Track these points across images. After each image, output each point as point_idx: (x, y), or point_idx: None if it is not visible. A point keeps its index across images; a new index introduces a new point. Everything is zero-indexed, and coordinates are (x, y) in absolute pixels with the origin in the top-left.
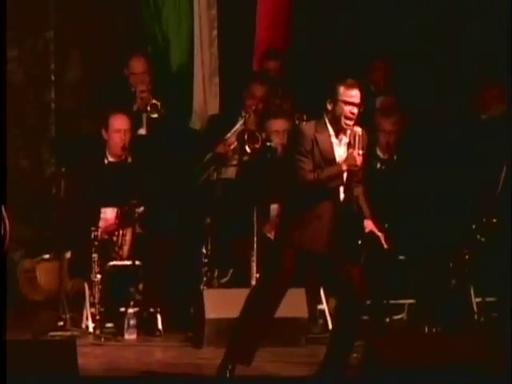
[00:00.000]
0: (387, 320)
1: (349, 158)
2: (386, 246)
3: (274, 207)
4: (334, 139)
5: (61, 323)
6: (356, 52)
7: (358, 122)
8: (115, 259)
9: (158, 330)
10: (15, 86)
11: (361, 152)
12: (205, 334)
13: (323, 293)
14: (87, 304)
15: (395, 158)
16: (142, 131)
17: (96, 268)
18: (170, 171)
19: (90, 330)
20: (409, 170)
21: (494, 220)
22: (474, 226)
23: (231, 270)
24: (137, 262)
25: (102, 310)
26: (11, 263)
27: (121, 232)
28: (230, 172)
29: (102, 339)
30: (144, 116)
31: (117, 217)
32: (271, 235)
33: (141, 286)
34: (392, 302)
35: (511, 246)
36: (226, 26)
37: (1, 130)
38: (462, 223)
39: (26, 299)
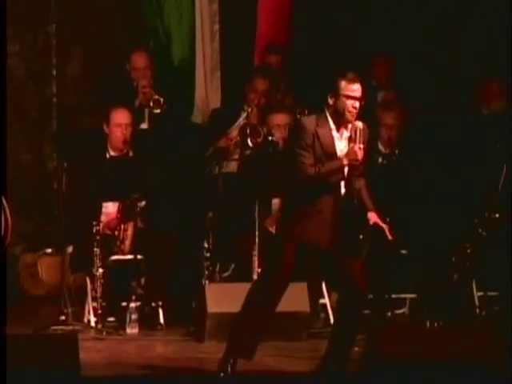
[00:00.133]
0: (389, 314)
1: (350, 152)
2: (390, 237)
3: (276, 201)
4: (335, 133)
5: (62, 317)
6: (357, 47)
7: (360, 116)
8: (117, 253)
9: (160, 324)
10: (16, 80)
11: (362, 146)
12: (206, 328)
13: (325, 287)
14: (89, 298)
15: (397, 152)
16: (144, 125)
17: (98, 262)
18: (171, 165)
19: (92, 324)
20: (410, 164)
21: (497, 215)
22: (476, 221)
23: (233, 265)
24: (138, 257)
25: (103, 304)
26: (12, 258)
27: (122, 226)
28: (232, 166)
29: (104, 333)
30: (146, 111)
31: (118, 211)
32: (273, 229)
33: (143, 281)
34: (394, 296)
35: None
36: (227, 21)
37: (2, 125)
38: (463, 217)
39: (28, 294)
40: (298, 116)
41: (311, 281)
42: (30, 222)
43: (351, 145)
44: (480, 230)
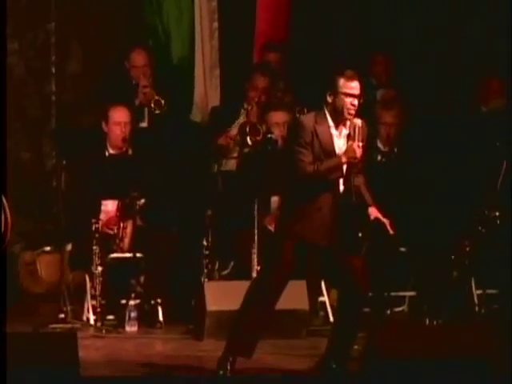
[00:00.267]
0: (388, 312)
1: (348, 150)
2: (391, 232)
3: (275, 199)
4: (333, 131)
5: (62, 316)
6: (357, 45)
7: (359, 113)
8: (116, 251)
9: (159, 322)
10: (16, 78)
11: (360, 144)
12: (205, 326)
13: (324, 285)
14: (88, 296)
15: (396, 150)
16: (144, 124)
17: (97, 260)
18: (170, 164)
19: (91, 322)
20: (409, 162)
21: (497, 213)
22: (475, 219)
23: (232, 263)
24: (138, 255)
25: (102, 302)
26: (12, 256)
27: (122, 224)
28: (231, 164)
29: (103, 331)
30: (146, 110)
31: (118, 209)
32: (272, 227)
33: (142, 279)
34: (393, 294)
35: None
36: (226, 19)
37: (2, 124)
38: (462, 215)
39: (27, 292)
40: (298, 115)
41: (310, 279)
42: (29, 220)
43: (350, 142)
44: (480, 228)
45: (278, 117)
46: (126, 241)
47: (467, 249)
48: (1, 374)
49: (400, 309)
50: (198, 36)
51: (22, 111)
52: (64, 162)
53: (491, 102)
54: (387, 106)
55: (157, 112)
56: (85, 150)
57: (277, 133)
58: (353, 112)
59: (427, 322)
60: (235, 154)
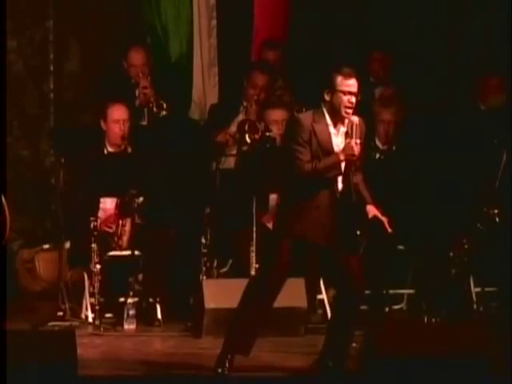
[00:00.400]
0: (386, 310)
1: (346, 147)
2: (389, 230)
3: (273, 197)
4: (331, 129)
5: (60, 313)
6: (355, 42)
7: (357, 111)
8: (114, 249)
9: (158, 319)
10: (14, 76)
11: (358, 141)
12: (204, 324)
13: (322, 283)
14: (86, 294)
15: (394, 148)
16: (143, 122)
17: (95, 258)
18: (169, 161)
19: (90, 320)
20: (408, 160)
21: (496, 211)
22: (474, 216)
23: (230, 260)
24: (136, 252)
25: (101, 300)
26: (10, 253)
27: (120, 222)
28: (230, 162)
29: (102, 329)
30: (145, 110)
31: (116, 207)
32: (270, 225)
33: (140, 276)
34: (391, 291)
35: (511, 236)
36: (224, 16)
37: (1, 121)
38: (461, 213)
39: (25, 289)
40: (296, 114)
41: (309, 276)
42: (27, 217)
43: (347, 140)
44: (478, 225)
45: (277, 115)
46: (125, 239)
47: (466, 246)
48: (1, 372)
49: (398, 306)
50: (197, 34)
51: (20, 109)
52: (62, 160)
53: (489, 100)
54: (385, 104)
55: (160, 114)
56: (83, 148)
57: (275, 131)
58: (350, 110)
59: (425, 319)
60: (234, 152)
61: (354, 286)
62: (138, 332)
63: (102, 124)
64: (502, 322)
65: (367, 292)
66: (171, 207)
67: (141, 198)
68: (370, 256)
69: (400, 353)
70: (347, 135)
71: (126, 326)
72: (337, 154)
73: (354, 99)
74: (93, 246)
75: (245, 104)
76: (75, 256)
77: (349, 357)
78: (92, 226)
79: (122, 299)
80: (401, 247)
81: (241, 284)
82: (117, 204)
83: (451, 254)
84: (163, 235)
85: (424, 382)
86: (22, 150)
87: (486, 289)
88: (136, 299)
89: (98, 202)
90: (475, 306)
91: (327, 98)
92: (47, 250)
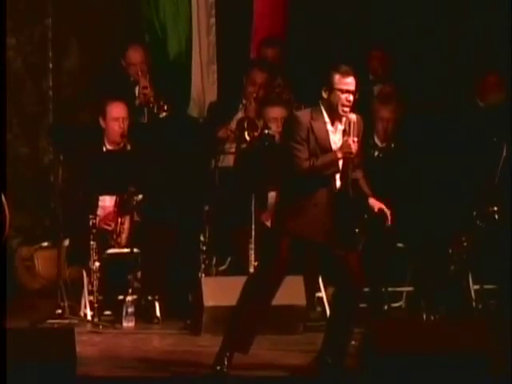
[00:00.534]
0: (386, 308)
1: (344, 145)
2: (389, 223)
3: (272, 195)
4: (329, 127)
5: (59, 311)
6: (355, 40)
7: (355, 109)
8: (113, 247)
9: (157, 317)
10: (13, 74)
11: (355, 139)
12: (203, 322)
13: (321, 280)
14: (85, 292)
15: (393, 145)
16: (142, 120)
17: (94, 256)
18: (169, 159)
19: (89, 317)
20: (406, 157)
21: (495, 208)
22: (474, 214)
23: (229, 258)
24: (135, 250)
25: (100, 297)
26: (9, 251)
27: (119, 220)
28: (229, 160)
29: (100, 327)
30: (145, 109)
31: (115, 205)
32: (269, 223)
33: (139, 274)
34: (390, 289)
35: (511, 233)
36: (223, 14)
37: (1, 119)
38: (460, 210)
39: (24, 287)
40: (294, 111)
41: (308, 274)
42: (26, 215)
43: (345, 138)
44: (478, 223)
45: (276, 112)
46: (124, 236)
47: (465, 244)
48: (1, 369)
49: (397, 304)
50: (195, 31)
51: (19, 107)
52: (61, 158)
53: (489, 97)
54: (384, 101)
55: (161, 115)
56: (82, 146)
57: (274, 128)
58: (348, 108)
59: (424, 317)
60: (233, 150)
61: (352, 284)
62: (137, 330)
63: (101, 122)
64: (501, 320)
65: (366, 290)
66: (170, 205)
67: (140, 196)
68: (369, 254)
69: (399, 351)
70: (345, 133)
71: (124, 324)
72: (334, 152)
73: (351, 97)
74: (92, 243)
75: (244, 102)
76: (74, 254)
77: (348, 355)
78: (91, 223)
79: (120, 297)
80: (400, 245)
81: (240, 282)
82: (116, 202)
83: (450, 252)
84: (162, 233)
85: (423, 379)
86: (21, 148)
87: (485, 286)
88: (135, 297)
89: (97, 200)
90: (474, 304)
91: (325, 95)
92: (46, 247)
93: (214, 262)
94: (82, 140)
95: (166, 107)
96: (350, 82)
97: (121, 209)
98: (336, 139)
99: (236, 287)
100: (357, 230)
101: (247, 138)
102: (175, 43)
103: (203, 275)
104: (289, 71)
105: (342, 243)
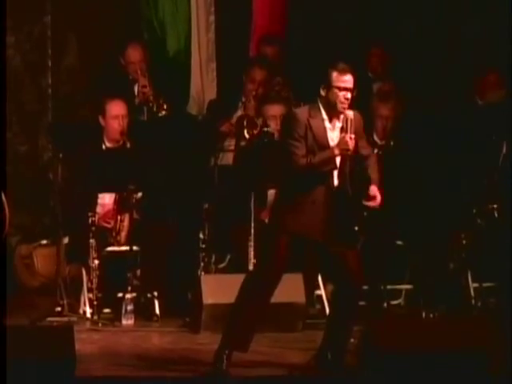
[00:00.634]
0: (385, 305)
1: (341, 142)
2: (372, 205)
3: (272, 193)
4: (327, 124)
5: (58, 309)
6: (354, 38)
7: (353, 106)
8: (113, 245)
9: (156, 315)
10: (12, 72)
11: (353, 136)
12: (202, 320)
13: (320, 278)
14: (85, 289)
15: (392, 143)
16: (142, 117)
17: (93, 254)
18: (168, 157)
19: (88, 315)
20: (406, 155)
21: (495, 205)
22: (474, 211)
23: (229, 256)
24: (134, 248)
25: (99, 295)
26: (8, 249)
27: (118, 217)
28: (228, 158)
29: (100, 325)
30: (145, 108)
31: (115, 202)
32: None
33: (138, 272)
34: (389, 287)
35: (511, 231)
36: (222, 12)
37: (1, 117)
38: (459, 208)
39: (23, 285)
40: (293, 109)
41: (307, 272)
42: (25, 213)
43: (342, 135)
44: (478, 220)
45: (275, 110)
46: (123, 234)
47: (464, 241)
48: (1, 367)
49: (396, 302)
50: (195, 29)
51: (18, 105)
52: (61, 156)
53: (488, 95)
54: (383, 99)
55: (160, 114)
56: (82, 144)
57: (273, 126)
58: (346, 106)
59: (424, 315)
60: (232, 147)
61: (352, 282)
62: (136, 327)
63: (101, 120)
64: (500, 318)
65: (365, 287)
66: (170, 203)
67: (139, 194)
68: (369, 251)
69: (398, 348)
70: (342, 130)
71: (124, 322)
72: (332, 149)
73: (349, 95)
74: (91, 241)
75: (243, 99)
76: (73, 251)
77: (347, 352)
78: (90, 221)
79: (120, 294)
80: (399, 243)
81: (239, 279)
82: (115, 199)
83: (449, 249)
84: (161, 231)
85: (422, 377)
86: (21, 146)
87: (485, 284)
88: (134, 294)
89: (97, 198)
90: (473, 302)
91: (323, 93)
92: (45, 245)
93: (214, 259)
94: (82, 138)
95: (165, 106)
96: (347, 80)
97: (120, 206)
98: (334, 136)
99: (235, 285)
100: (356, 228)
101: (246, 135)
102: (174, 41)
103: (202, 273)
104: (288, 69)
105: (341, 241)
